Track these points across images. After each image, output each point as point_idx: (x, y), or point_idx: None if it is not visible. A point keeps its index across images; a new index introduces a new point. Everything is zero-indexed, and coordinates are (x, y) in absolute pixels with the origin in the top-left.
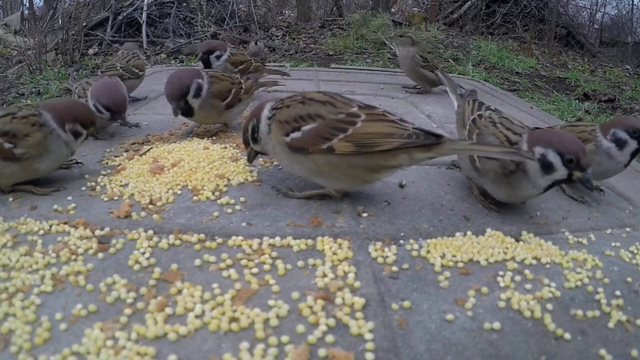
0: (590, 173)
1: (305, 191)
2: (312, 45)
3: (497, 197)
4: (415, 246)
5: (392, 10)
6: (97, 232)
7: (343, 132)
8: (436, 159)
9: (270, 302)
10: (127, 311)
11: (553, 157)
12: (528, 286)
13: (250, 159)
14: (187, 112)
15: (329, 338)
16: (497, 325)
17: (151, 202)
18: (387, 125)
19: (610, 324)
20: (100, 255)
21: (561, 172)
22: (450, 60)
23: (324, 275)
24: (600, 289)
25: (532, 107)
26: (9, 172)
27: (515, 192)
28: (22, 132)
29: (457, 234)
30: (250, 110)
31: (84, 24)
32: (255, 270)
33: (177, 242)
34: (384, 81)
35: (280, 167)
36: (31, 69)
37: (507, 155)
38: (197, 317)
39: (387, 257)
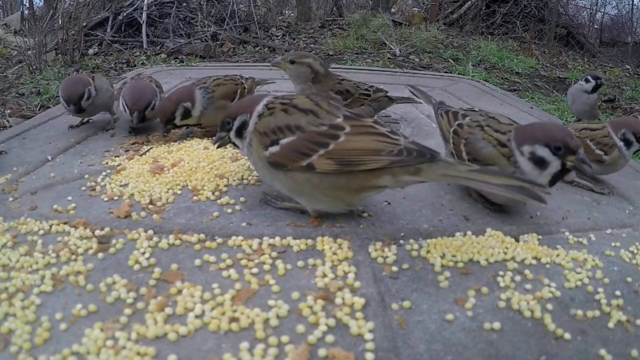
0: (583, 153)
1: (285, 202)
2: (312, 45)
3: (498, 201)
4: (415, 246)
5: (392, 10)
6: (97, 232)
7: (324, 147)
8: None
9: (270, 302)
10: (127, 311)
11: (542, 151)
12: (528, 286)
13: (221, 145)
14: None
15: (329, 338)
16: (497, 325)
17: (151, 202)
18: (375, 140)
19: (610, 324)
20: (100, 255)
21: (555, 164)
22: (450, 60)
23: (324, 275)
24: (600, 289)
25: (532, 107)
26: None
27: None
28: None
29: (457, 234)
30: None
31: (84, 24)
32: (255, 270)
33: (177, 242)
34: (384, 81)
35: None
36: (31, 69)
37: (512, 191)
38: (197, 317)
39: (387, 257)
